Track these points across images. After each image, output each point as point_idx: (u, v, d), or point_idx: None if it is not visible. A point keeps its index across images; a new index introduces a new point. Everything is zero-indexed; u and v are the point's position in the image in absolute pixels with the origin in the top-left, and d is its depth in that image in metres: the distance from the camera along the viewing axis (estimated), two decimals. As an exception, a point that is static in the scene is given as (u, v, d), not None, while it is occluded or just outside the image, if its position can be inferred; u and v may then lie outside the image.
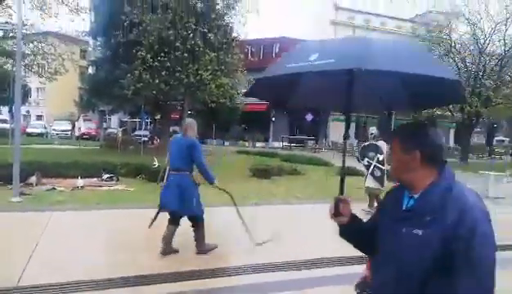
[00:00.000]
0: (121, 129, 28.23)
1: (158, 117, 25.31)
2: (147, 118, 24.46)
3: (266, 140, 34.17)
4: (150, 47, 15.77)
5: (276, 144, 31.86)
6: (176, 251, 4.71)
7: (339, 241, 1.74)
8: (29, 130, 32.04)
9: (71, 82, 30.59)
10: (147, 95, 17.35)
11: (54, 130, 34.12)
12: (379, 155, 7.29)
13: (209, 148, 22.20)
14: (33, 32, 14.65)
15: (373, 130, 7.90)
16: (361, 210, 6.65)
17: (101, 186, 9.52)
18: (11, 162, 8.27)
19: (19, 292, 3.46)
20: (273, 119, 34.63)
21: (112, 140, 24.15)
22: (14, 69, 16.66)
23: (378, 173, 7.28)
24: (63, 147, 21.63)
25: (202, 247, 4.77)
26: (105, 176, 10.37)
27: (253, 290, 3.94)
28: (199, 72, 16.43)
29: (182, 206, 4.60)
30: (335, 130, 32.29)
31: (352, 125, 28.77)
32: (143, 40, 15.85)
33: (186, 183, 4.66)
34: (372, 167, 7.33)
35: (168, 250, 4.63)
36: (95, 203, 7.56)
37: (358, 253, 1.78)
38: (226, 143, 32.25)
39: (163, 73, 16.21)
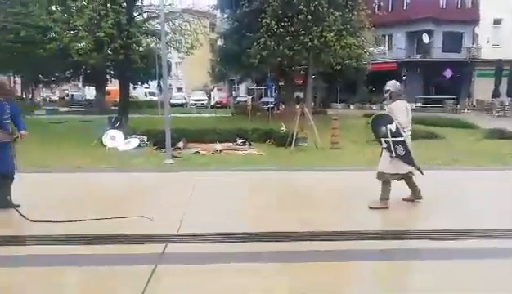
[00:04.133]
0: (250, 97, 29.66)
1: (282, 83, 25.76)
2: (273, 85, 25.10)
3: (396, 101, 31.83)
4: (273, 14, 15.90)
5: (409, 105, 29.33)
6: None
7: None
8: (172, 101, 36.29)
9: (204, 55, 33.12)
10: (272, 62, 17.72)
11: (192, 100, 37.87)
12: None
13: (334, 112, 21.75)
14: (171, 11, 16.12)
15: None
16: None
17: (236, 150, 10.24)
18: (162, 130, 9.49)
19: (179, 239, 3.99)
20: (404, 78, 31.84)
21: (241, 108, 25.66)
22: (157, 46, 18.83)
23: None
24: (200, 115, 23.94)
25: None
26: (239, 141, 11.10)
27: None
28: (324, 33, 15.95)
29: None
30: (481, 87, 28.07)
31: (504, 80, 24.56)
32: (267, 7, 16.04)
33: None
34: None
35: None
36: (234, 165, 8.19)
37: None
38: (352, 106, 31.11)
39: (287, 38, 16.27)
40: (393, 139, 4.83)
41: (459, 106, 27.42)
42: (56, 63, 22.26)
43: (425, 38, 30.97)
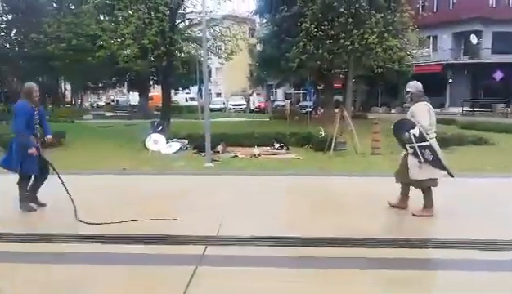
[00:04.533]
0: (288, 101, 29.64)
1: (321, 87, 25.51)
2: (311, 89, 24.93)
3: (441, 105, 30.47)
4: (313, 17, 15.83)
5: (455, 109, 28.03)
6: None
7: None
8: (211, 106, 36.92)
9: (243, 60, 33.52)
10: (311, 66, 17.61)
11: (231, 105, 38.39)
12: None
13: (374, 116, 21.23)
14: (212, 17, 16.49)
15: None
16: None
17: (273, 154, 10.26)
18: (202, 134, 9.71)
19: (217, 241, 4.05)
20: (450, 81, 30.54)
21: (279, 112, 25.66)
22: (198, 52, 19.28)
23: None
24: (238, 120, 24.21)
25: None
26: (277, 145, 11.11)
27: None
28: (365, 36, 15.63)
29: None
30: (535, 89, 26.34)
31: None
32: (306, 11, 16.00)
33: None
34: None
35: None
36: (272, 169, 8.21)
37: None
38: (393, 110, 30.20)
39: (327, 41, 16.11)
40: (419, 144, 4.57)
41: (509, 110, 25.83)
42: (103, 70, 23.42)
43: (473, 39, 29.53)
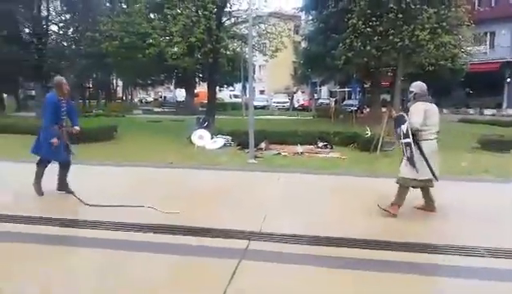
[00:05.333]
0: (333, 99, 29.14)
1: (367, 85, 24.83)
2: (357, 87, 24.34)
3: (497, 106, 28.62)
4: (361, 13, 15.41)
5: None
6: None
7: None
8: (254, 103, 37.19)
9: (287, 58, 33.39)
10: (358, 63, 17.19)
11: (274, 102, 38.40)
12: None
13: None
14: (258, 15, 16.56)
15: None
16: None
17: (317, 153, 10.15)
18: (245, 131, 9.81)
19: (260, 237, 4.09)
20: (508, 80, 28.56)
21: (323, 111, 25.32)
22: (243, 50, 19.43)
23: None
24: (281, 117, 24.18)
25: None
26: (321, 144, 10.98)
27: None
28: (416, 32, 14.99)
29: None
30: None
31: None
32: (354, 7, 15.62)
33: None
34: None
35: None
36: (315, 168, 8.14)
37: None
38: (445, 110, 28.70)
39: (375, 38, 15.63)
40: (403, 140, 4.69)
41: None
42: (152, 67, 24.27)
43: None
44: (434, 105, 4.79)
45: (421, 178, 4.62)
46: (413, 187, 4.73)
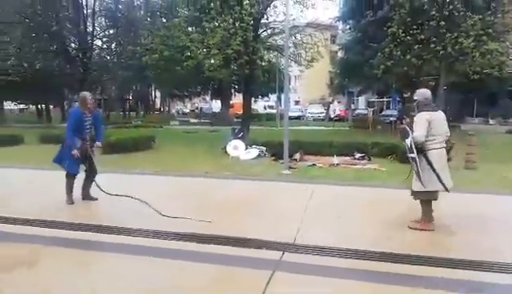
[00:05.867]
0: (371, 109, 28.47)
1: (407, 95, 24.04)
2: (396, 97, 23.65)
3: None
4: (401, 21, 15.02)
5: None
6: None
7: None
8: (289, 114, 37.09)
9: (323, 67, 33.12)
10: (398, 73, 16.72)
11: (309, 113, 38.10)
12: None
13: (469, 127, 19.36)
14: (295, 25, 16.57)
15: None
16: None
17: (354, 164, 9.86)
18: (280, 141, 9.73)
19: (294, 248, 3.98)
20: (562, 89, 26.71)
21: (360, 121, 24.78)
22: (278, 61, 19.47)
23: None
24: (317, 128, 23.90)
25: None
26: (358, 155, 10.68)
27: None
28: (459, 40, 14.38)
29: None
30: None
31: None
32: (394, 15, 15.26)
33: None
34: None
35: None
36: (351, 179, 7.89)
37: None
38: (492, 121, 27.26)
39: (416, 46, 15.17)
40: (409, 155, 4.56)
41: None
42: (189, 79, 24.93)
43: None
44: (441, 113, 4.59)
45: (429, 189, 4.44)
46: (435, 199, 4.57)
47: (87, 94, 5.69)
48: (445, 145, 4.56)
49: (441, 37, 14.73)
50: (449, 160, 4.91)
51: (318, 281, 3.28)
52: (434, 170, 4.38)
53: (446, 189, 4.46)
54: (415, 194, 4.62)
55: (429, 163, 4.39)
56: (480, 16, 14.42)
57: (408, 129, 4.54)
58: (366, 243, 4.10)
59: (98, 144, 5.85)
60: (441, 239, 4.32)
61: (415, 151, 4.39)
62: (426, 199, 4.55)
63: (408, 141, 4.50)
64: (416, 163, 4.40)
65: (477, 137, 9.96)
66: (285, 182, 7.69)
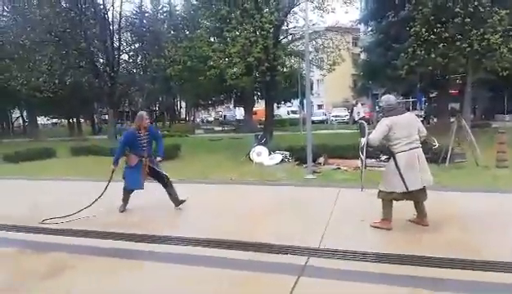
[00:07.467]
0: (396, 110, 27.90)
1: (433, 94, 23.50)
2: (422, 97, 23.13)
3: None
4: (424, 20, 14.72)
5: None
6: None
7: None
8: (312, 118, 36.80)
9: (345, 71, 32.79)
10: (422, 73, 16.38)
11: (333, 116, 37.74)
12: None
13: (500, 124, 18.67)
14: (315, 30, 16.58)
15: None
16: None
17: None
18: (304, 146, 9.73)
19: (319, 253, 3.99)
20: None
21: (385, 123, 24.29)
22: (300, 66, 19.45)
23: None
24: (341, 131, 23.65)
25: None
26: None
27: None
28: (486, 36, 13.95)
29: None
30: None
31: None
32: (416, 14, 14.99)
33: None
34: None
35: None
36: (375, 182, 7.78)
37: None
38: (524, 118, 26.16)
39: (440, 45, 14.80)
40: (360, 154, 4.82)
41: None
42: (213, 88, 25.30)
43: None
44: (406, 115, 4.65)
45: (399, 191, 4.52)
46: (395, 199, 4.65)
47: (143, 113, 5.92)
48: (417, 146, 4.56)
49: (466, 35, 14.33)
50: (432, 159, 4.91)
51: (343, 286, 3.29)
52: (400, 173, 4.45)
53: (407, 189, 4.48)
54: (378, 193, 4.76)
55: (397, 166, 4.48)
56: (507, 11, 13.96)
57: (365, 125, 4.75)
58: (392, 247, 4.06)
59: (159, 159, 6.07)
60: (478, 240, 4.21)
61: (364, 153, 4.69)
62: (387, 199, 4.66)
63: (363, 141, 4.63)
64: (362, 163, 4.78)
65: (508, 135, 9.61)
66: (310, 186, 7.70)
